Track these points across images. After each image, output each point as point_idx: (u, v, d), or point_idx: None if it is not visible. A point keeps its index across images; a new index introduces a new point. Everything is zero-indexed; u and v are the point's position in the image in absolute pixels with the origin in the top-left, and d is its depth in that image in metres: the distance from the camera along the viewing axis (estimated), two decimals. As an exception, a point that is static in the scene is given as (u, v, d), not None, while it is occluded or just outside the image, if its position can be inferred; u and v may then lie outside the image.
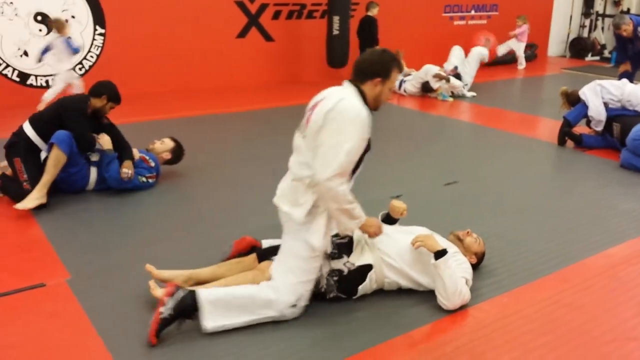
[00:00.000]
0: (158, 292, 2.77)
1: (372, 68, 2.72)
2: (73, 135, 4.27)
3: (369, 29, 9.06)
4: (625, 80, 5.95)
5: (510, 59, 11.29)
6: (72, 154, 4.28)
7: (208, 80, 8.71)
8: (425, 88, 8.42)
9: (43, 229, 3.82)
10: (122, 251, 3.53)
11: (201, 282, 3.02)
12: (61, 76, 6.99)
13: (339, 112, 2.59)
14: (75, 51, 7.01)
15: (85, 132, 4.40)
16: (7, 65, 7.38)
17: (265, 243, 3.24)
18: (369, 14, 9.11)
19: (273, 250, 3.02)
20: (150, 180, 4.61)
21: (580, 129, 6.06)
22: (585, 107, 5.77)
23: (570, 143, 5.97)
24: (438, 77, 8.28)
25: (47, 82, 7.50)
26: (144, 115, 6.92)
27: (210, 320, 2.66)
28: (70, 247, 3.57)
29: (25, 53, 7.45)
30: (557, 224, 4.02)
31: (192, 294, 2.65)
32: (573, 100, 6.01)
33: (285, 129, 6.58)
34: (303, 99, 8.60)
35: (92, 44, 7.90)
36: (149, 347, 2.57)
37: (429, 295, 2.94)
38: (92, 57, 7.93)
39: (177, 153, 4.91)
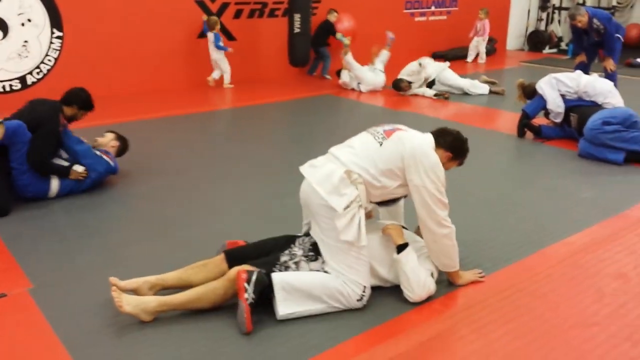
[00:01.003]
0: (128, 308, 2.69)
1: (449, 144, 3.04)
2: (32, 155, 4.21)
3: (326, 32, 9.41)
4: (579, 72, 6.08)
5: (465, 54, 11.48)
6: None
7: (171, 81, 8.61)
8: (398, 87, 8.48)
9: (2, 237, 3.73)
10: (86, 257, 3.47)
11: (167, 288, 2.99)
12: None
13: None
14: None
15: (45, 160, 4.31)
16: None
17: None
18: (329, 18, 9.42)
19: (242, 255, 2.97)
20: (106, 158, 4.61)
21: (539, 120, 6.19)
22: (542, 100, 5.89)
23: (529, 134, 6.09)
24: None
25: (5, 87, 7.32)
26: (105, 119, 6.80)
27: (283, 306, 2.72)
28: (31, 255, 3.49)
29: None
30: (519, 214, 4.11)
31: (268, 275, 2.72)
32: (529, 92, 6.14)
33: (249, 129, 6.64)
34: (266, 98, 8.63)
35: (49, 47, 7.74)
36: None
37: (395, 289, 2.97)
38: (49, 60, 7.76)
39: (122, 140, 4.92)
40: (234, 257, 2.99)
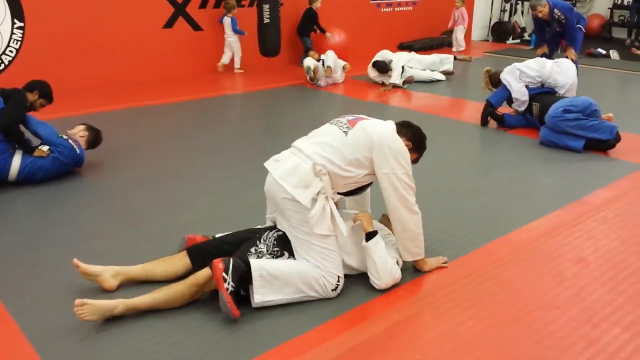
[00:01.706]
0: (93, 317, 2.64)
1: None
2: (2, 119, 4.32)
3: (309, 20, 9.51)
4: (543, 59, 6.19)
5: (439, 43, 11.60)
6: None
7: (137, 72, 8.48)
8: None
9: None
10: (51, 250, 3.42)
11: (131, 279, 2.99)
12: None
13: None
14: None
15: (15, 122, 4.41)
16: None
17: (218, 236, 3.18)
18: (313, 6, 9.48)
19: (205, 254, 2.96)
20: (72, 143, 4.60)
21: (502, 109, 6.29)
22: (506, 90, 6.00)
23: (493, 123, 6.19)
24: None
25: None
26: (71, 110, 6.69)
27: (259, 294, 2.73)
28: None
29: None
30: (483, 202, 4.18)
31: (245, 262, 2.73)
32: (494, 81, 6.24)
33: (218, 119, 6.59)
34: (236, 88, 8.58)
35: (10, 38, 7.55)
36: (85, 346, 2.51)
37: (361, 277, 3.01)
38: (11, 52, 7.58)
39: (93, 131, 4.89)
40: (197, 255, 2.99)
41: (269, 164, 2.99)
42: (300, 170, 2.83)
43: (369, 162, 2.89)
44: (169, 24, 8.72)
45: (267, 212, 3.19)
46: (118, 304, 2.70)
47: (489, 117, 6.16)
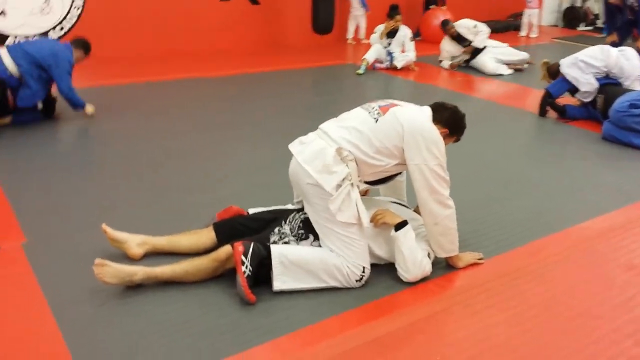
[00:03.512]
0: (112, 280, 2.60)
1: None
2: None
3: None
4: (607, 47, 5.78)
5: (504, 27, 11.13)
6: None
7: (190, 43, 8.51)
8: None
9: (4, 189, 3.71)
10: (84, 214, 3.41)
11: (156, 249, 2.94)
12: None
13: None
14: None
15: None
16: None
17: (252, 211, 3.11)
18: None
19: (231, 232, 2.88)
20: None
21: (564, 99, 5.94)
22: (566, 81, 5.64)
23: (552, 114, 5.85)
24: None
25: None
26: (122, 78, 6.76)
27: (279, 281, 2.63)
28: (29, 209, 3.47)
29: (3, 12, 7.21)
30: (533, 195, 3.94)
31: (265, 246, 2.64)
32: (553, 72, 5.89)
33: (267, 94, 6.50)
34: (286, 64, 8.52)
35: (71, 6, 7.66)
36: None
37: (389, 267, 2.85)
38: (72, 19, 7.70)
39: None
40: (223, 231, 2.91)
41: (293, 146, 2.84)
42: (325, 154, 2.67)
43: (399, 151, 2.71)
44: None
45: (294, 197, 3.06)
46: (138, 270, 2.65)
47: (549, 108, 5.82)
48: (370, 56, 7.79)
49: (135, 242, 2.92)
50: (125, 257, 2.89)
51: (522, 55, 8.23)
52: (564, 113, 5.74)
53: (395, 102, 2.88)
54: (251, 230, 2.88)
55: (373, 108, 2.82)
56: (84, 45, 5.26)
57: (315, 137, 2.81)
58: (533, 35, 10.97)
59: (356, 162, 2.69)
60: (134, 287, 2.66)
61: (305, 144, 2.80)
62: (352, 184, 2.66)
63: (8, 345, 2.30)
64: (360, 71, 7.61)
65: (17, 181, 3.87)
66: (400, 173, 2.94)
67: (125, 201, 3.64)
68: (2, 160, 4.22)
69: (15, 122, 4.96)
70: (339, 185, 2.62)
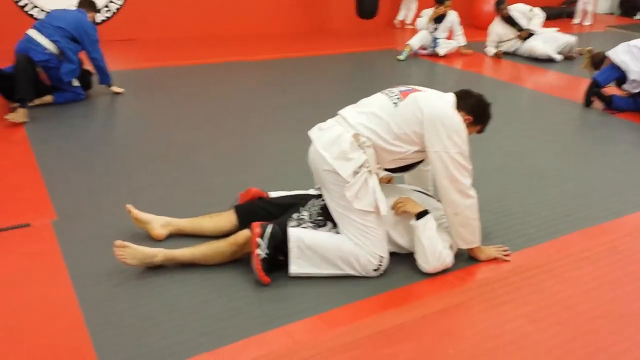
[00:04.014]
0: (133, 262, 2.65)
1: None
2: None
3: None
4: None
5: (556, 13, 10.76)
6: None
7: (231, 27, 8.56)
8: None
9: (40, 166, 3.83)
10: (114, 194, 3.49)
11: (179, 230, 2.99)
12: None
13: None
14: None
15: None
16: (34, 6, 7.35)
17: (273, 194, 3.14)
18: None
19: (252, 215, 2.88)
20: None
21: (610, 89, 5.71)
22: (615, 69, 5.41)
23: (598, 104, 5.64)
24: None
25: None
26: (163, 61, 6.86)
27: (295, 265, 2.63)
28: (61, 186, 3.57)
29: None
30: (568, 189, 3.81)
31: (283, 229, 2.62)
32: (597, 61, 5.66)
33: (304, 80, 6.49)
34: (329, 49, 8.46)
35: (118, -15, 7.81)
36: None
37: (409, 256, 2.81)
38: (115, 2, 7.84)
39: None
40: (244, 214, 2.92)
41: (313, 133, 2.83)
42: (342, 141, 2.64)
43: (420, 138, 2.65)
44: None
45: (314, 183, 3.05)
46: (158, 252, 2.69)
47: (595, 98, 5.60)
48: (414, 43, 7.65)
49: (159, 224, 2.97)
50: (149, 238, 2.95)
51: (566, 38, 7.95)
52: (610, 103, 5.52)
53: (417, 87, 2.83)
54: (272, 215, 2.88)
55: (393, 93, 2.77)
56: (91, 5, 5.26)
57: (334, 123, 2.78)
58: (587, 23, 10.58)
59: (374, 149, 2.65)
60: (154, 268, 2.71)
61: (324, 130, 2.78)
62: (369, 171, 2.62)
63: (28, 315, 2.38)
64: (402, 57, 7.49)
65: (52, 158, 4.00)
66: (423, 161, 2.89)
67: (155, 182, 3.70)
68: (39, 138, 4.35)
69: (57, 101, 5.06)
70: (355, 172, 2.59)
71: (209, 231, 2.97)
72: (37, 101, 4.91)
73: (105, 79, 5.32)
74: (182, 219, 3.02)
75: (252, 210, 2.94)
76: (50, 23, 4.91)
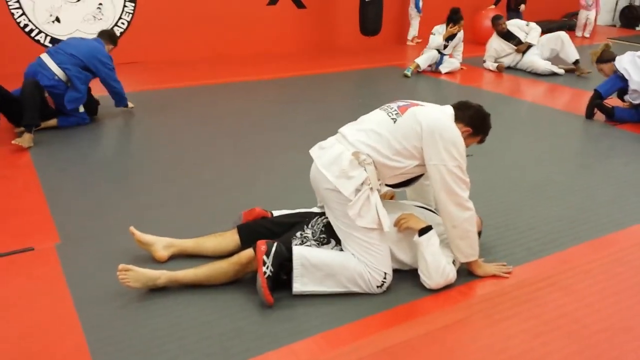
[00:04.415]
0: (136, 285, 2.66)
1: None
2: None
3: None
4: None
5: (558, 26, 10.81)
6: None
7: (238, 47, 8.64)
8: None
9: (44, 189, 3.86)
10: (117, 216, 3.50)
11: (182, 251, 2.99)
12: None
13: None
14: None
15: None
16: (40, 32, 7.46)
17: (276, 214, 3.16)
18: None
19: (255, 234, 2.89)
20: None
21: (612, 101, 5.72)
22: (618, 79, 5.42)
23: (600, 116, 5.64)
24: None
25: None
26: (170, 82, 6.92)
27: (299, 283, 2.63)
28: (66, 210, 3.59)
29: (57, 19, 7.51)
30: (571, 202, 3.80)
31: (287, 247, 2.63)
32: (606, 57, 5.63)
33: (310, 98, 6.53)
34: (334, 67, 8.52)
35: (122, 11, 7.90)
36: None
37: (412, 273, 2.81)
38: (123, 24, 7.94)
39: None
40: (246, 234, 2.93)
41: (314, 151, 2.84)
42: (343, 159, 2.66)
43: (419, 152, 2.66)
44: (273, 0, 8.73)
45: (317, 202, 3.06)
46: (161, 274, 2.70)
47: (597, 110, 5.61)
48: (422, 61, 7.70)
49: (162, 245, 2.98)
50: (152, 259, 2.96)
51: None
52: (612, 115, 5.52)
53: (415, 102, 2.85)
54: (275, 234, 2.89)
55: (392, 108, 2.79)
56: (111, 37, 5.36)
57: (335, 142, 2.80)
58: (587, 35, 10.61)
59: (375, 165, 2.67)
60: (157, 290, 2.72)
61: (324, 148, 2.80)
62: (371, 188, 2.64)
63: (31, 339, 2.38)
64: (408, 73, 7.55)
65: (56, 181, 4.02)
66: (424, 175, 2.90)
67: (158, 203, 3.72)
68: (43, 162, 4.38)
69: (61, 125, 5.10)
70: (357, 190, 2.60)
71: (212, 251, 2.98)
72: (42, 124, 4.94)
73: (122, 102, 5.42)
74: (185, 240, 3.03)
75: (254, 230, 2.95)
76: (64, 50, 4.98)
